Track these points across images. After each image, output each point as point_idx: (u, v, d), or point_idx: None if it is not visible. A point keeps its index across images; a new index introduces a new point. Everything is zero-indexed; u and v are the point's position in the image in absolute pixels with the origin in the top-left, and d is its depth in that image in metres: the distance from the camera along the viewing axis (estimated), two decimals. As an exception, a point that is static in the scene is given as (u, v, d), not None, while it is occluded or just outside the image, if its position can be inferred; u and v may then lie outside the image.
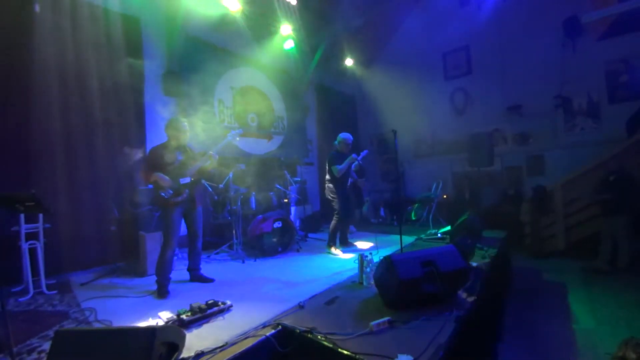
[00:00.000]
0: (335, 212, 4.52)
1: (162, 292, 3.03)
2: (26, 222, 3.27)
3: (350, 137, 4.59)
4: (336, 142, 4.57)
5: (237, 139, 3.55)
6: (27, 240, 3.23)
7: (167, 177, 3.08)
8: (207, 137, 5.11)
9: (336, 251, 4.44)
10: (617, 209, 4.40)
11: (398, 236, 3.88)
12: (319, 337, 1.91)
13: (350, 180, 4.74)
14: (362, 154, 4.48)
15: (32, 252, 3.25)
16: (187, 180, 3.21)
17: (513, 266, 4.65)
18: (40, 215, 3.36)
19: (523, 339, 2.95)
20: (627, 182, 4.44)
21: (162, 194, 3.09)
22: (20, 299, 3.03)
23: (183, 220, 3.35)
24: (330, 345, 1.82)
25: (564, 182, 5.47)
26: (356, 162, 4.44)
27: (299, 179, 6.52)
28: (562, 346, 2.80)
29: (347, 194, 4.64)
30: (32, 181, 3.57)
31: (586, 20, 6.12)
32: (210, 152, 3.31)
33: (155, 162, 3.15)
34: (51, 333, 2.30)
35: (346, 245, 4.74)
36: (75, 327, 2.42)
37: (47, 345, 2.11)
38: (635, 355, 2.36)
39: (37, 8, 3.74)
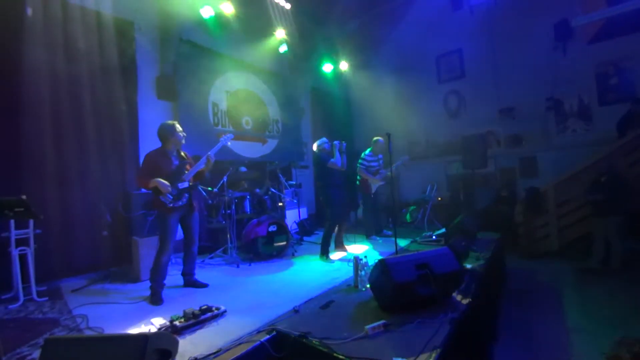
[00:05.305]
0: (327, 219, 4.43)
1: (156, 298, 2.99)
2: (16, 227, 3.21)
3: (325, 138, 4.56)
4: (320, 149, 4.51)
5: (229, 143, 3.55)
6: (17, 246, 3.18)
7: (166, 183, 3.04)
8: (201, 140, 5.08)
9: (329, 258, 4.30)
10: (608, 210, 4.44)
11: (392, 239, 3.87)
12: (314, 341, 1.90)
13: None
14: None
15: (23, 258, 3.19)
16: (185, 185, 3.19)
17: (507, 267, 4.67)
18: (31, 221, 3.32)
19: (518, 340, 2.95)
20: (618, 183, 4.49)
21: (162, 199, 3.07)
22: (10, 306, 2.98)
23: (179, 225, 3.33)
24: (326, 350, 1.80)
25: (556, 183, 5.51)
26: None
27: (294, 182, 6.52)
28: (556, 346, 2.81)
29: (342, 196, 4.55)
30: (23, 186, 3.51)
31: (576, 24, 6.20)
32: (209, 154, 3.31)
33: (151, 168, 3.12)
34: (41, 341, 2.25)
35: (341, 248, 4.70)
36: (65, 335, 2.38)
37: (37, 354, 2.07)
38: (629, 355, 2.39)
39: (29, 11, 3.71)
